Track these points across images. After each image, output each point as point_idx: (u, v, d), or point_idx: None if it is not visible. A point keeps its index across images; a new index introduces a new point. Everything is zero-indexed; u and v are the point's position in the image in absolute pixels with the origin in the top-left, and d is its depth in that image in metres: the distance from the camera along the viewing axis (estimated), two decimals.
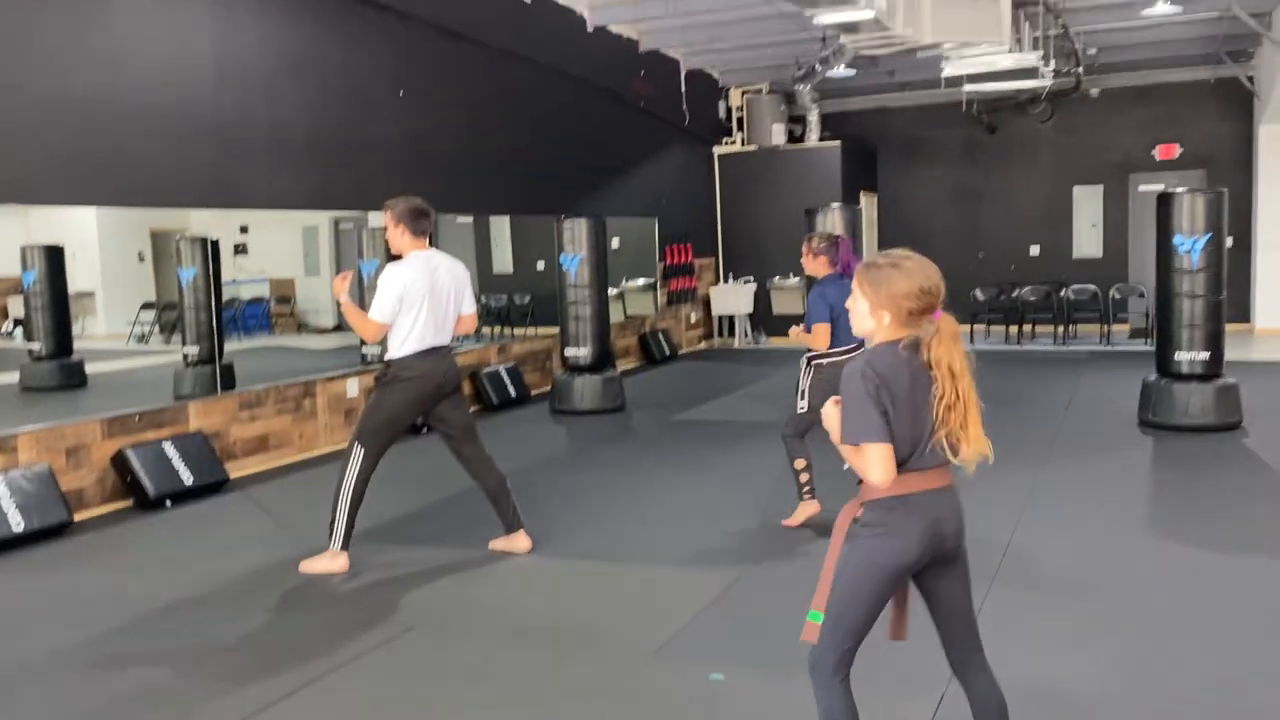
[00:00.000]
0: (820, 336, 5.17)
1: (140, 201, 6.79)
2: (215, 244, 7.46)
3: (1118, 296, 13.31)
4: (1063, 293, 13.49)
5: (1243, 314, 13.26)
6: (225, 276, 7.71)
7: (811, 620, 2.43)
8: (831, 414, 2.42)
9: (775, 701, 3.37)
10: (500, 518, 5.11)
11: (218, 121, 7.16)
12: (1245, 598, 4.20)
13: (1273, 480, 6.10)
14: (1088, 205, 14.55)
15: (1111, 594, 4.30)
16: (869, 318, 2.41)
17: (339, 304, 4.84)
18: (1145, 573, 4.56)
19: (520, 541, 5.10)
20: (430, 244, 4.99)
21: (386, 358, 4.91)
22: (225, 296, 7.77)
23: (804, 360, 5.35)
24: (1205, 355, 7.47)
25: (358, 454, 4.85)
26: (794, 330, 5.33)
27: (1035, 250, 14.74)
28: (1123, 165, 14.23)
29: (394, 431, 4.92)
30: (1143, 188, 13.89)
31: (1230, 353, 7.85)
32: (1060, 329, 13.38)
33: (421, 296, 4.76)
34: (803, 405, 5.30)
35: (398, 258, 4.90)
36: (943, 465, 2.41)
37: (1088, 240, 14.59)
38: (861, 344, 2.94)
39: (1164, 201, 7.58)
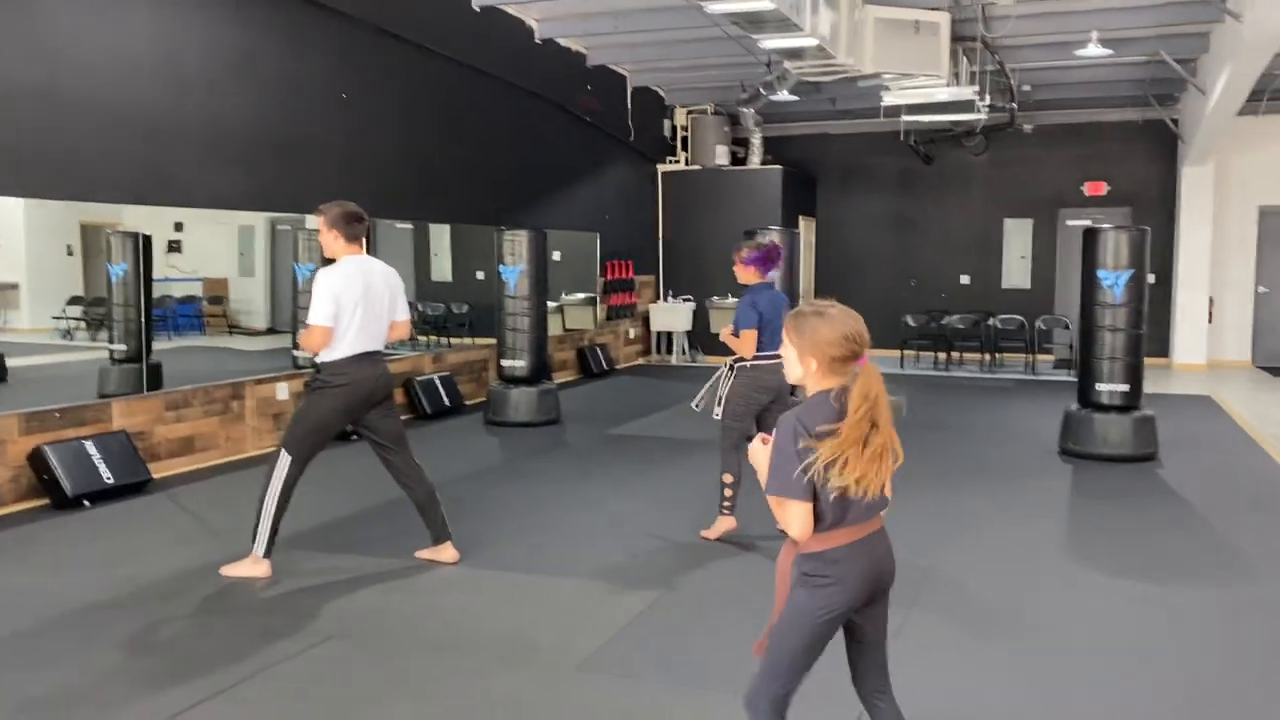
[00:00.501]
0: (746, 344, 5.26)
1: (71, 195, 6.65)
2: (148, 240, 7.33)
3: (1043, 327, 13.65)
4: (990, 321, 13.81)
5: (1162, 349, 13.70)
6: (157, 274, 7.58)
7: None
8: (759, 454, 2.46)
9: (697, 715, 3.40)
10: (428, 527, 5.09)
11: (154, 117, 7.05)
12: (1156, 625, 4.34)
13: (1184, 511, 6.31)
14: (1017, 237, 14.92)
15: (1027, 620, 4.41)
16: (797, 364, 2.48)
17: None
18: (1061, 599, 4.68)
19: (447, 552, 5.08)
20: (365, 250, 4.97)
21: (318, 361, 4.87)
22: (156, 294, 7.63)
23: (725, 365, 5.44)
24: (1125, 387, 7.70)
25: (284, 460, 4.79)
26: (725, 331, 5.42)
27: (966, 279, 15.07)
28: (1052, 200, 14.63)
29: (322, 438, 4.87)
30: (1070, 222, 14.28)
31: (1148, 386, 8.10)
32: (987, 357, 13.68)
33: (355, 302, 4.74)
34: (718, 411, 5.40)
35: (331, 262, 4.87)
36: (878, 513, 2.49)
37: (1016, 271, 14.95)
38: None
39: (1090, 237, 7.81)
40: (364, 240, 4.92)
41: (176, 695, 3.55)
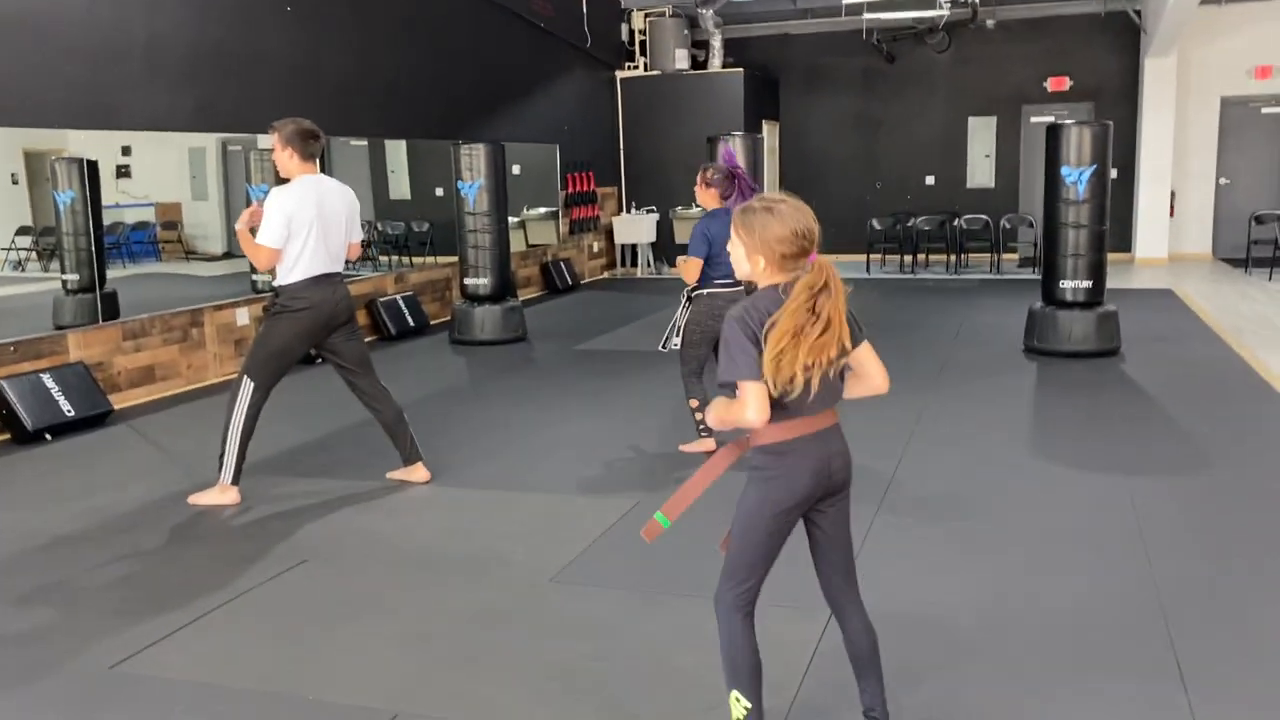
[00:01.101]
0: (690, 271, 5.13)
1: (9, 121, 6.41)
2: (94, 166, 7.12)
3: (1008, 226, 13.67)
4: (956, 222, 13.79)
5: (1124, 244, 13.77)
6: (107, 200, 7.38)
7: (656, 520, 2.50)
8: (717, 408, 2.42)
9: (671, 623, 3.45)
10: (398, 449, 5.07)
11: (93, 37, 6.78)
12: (1119, 515, 4.42)
13: (1146, 403, 6.40)
14: (981, 136, 14.83)
15: (994, 515, 4.48)
16: (745, 261, 2.44)
17: (237, 232, 4.68)
18: (1025, 493, 4.76)
19: (418, 473, 5.08)
20: (320, 168, 4.84)
21: (275, 285, 4.78)
22: (107, 221, 7.44)
23: (684, 296, 5.37)
24: (1088, 284, 7.74)
25: (247, 387, 4.73)
26: (680, 259, 5.36)
27: (930, 180, 15.00)
28: (1015, 97, 14.51)
29: (285, 363, 4.81)
30: (1034, 119, 14.20)
31: (1111, 281, 8.15)
32: (952, 258, 13.70)
33: (309, 222, 4.63)
34: (676, 341, 5.34)
35: (286, 182, 4.75)
36: (830, 407, 2.46)
37: (981, 170, 14.90)
38: (739, 283, 2.93)
39: (1052, 133, 7.77)
40: (319, 159, 4.79)
41: (151, 625, 3.54)
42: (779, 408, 2.38)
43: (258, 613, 3.66)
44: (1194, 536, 4.20)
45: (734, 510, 2.47)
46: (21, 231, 7.47)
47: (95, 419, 6.36)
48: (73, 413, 6.21)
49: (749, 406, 2.35)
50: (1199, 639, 3.26)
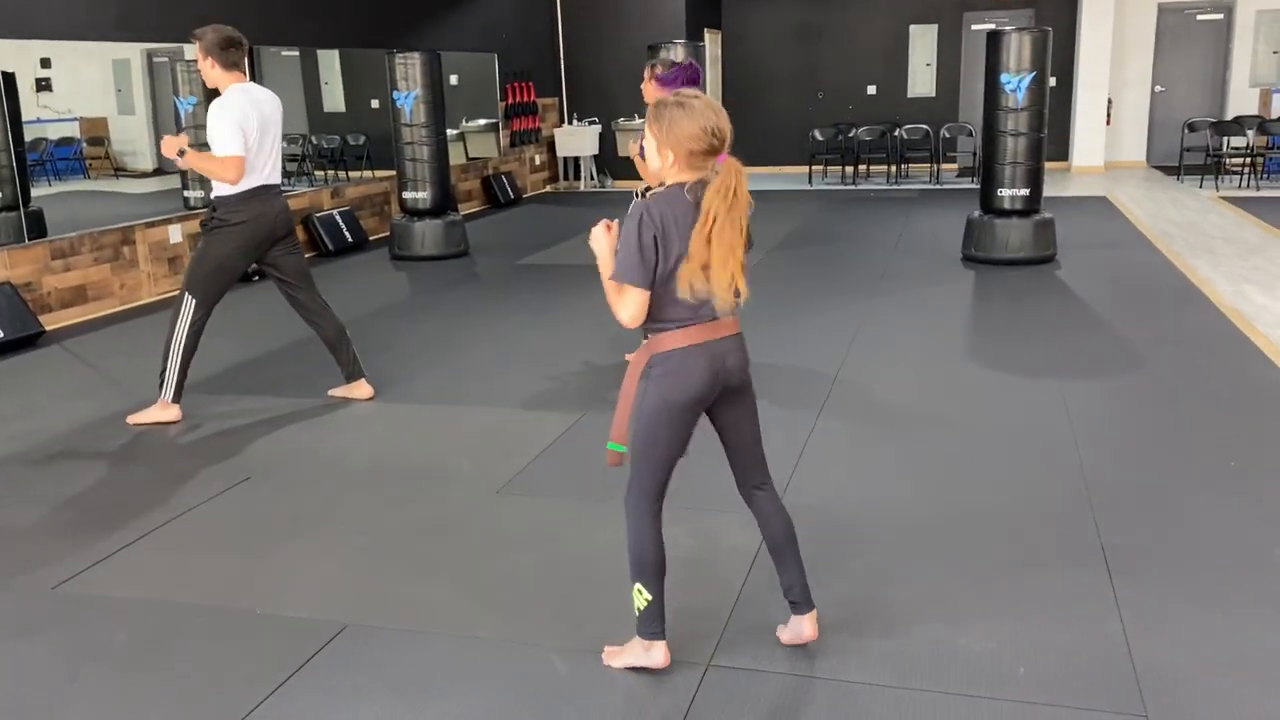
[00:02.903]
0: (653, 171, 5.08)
1: None
2: (10, 78, 6.82)
3: (948, 136, 13.70)
4: (896, 132, 13.79)
5: (1062, 152, 13.90)
6: (27, 115, 7.09)
7: (611, 449, 2.53)
8: (598, 240, 2.46)
9: (617, 531, 3.48)
10: (340, 365, 5.03)
11: None
12: (1054, 416, 4.54)
13: (1080, 309, 6.54)
14: (922, 44, 14.76)
15: (931, 419, 4.58)
16: (655, 156, 2.42)
17: (177, 159, 4.48)
18: (963, 398, 4.86)
19: (361, 389, 5.05)
20: (247, 77, 4.69)
21: (213, 197, 4.65)
22: (29, 137, 7.16)
23: (637, 193, 5.32)
24: (1025, 191, 7.83)
25: (189, 304, 4.64)
26: (633, 147, 5.23)
27: (872, 90, 14.94)
28: (957, 4, 14.43)
29: (226, 279, 4.71)
30: (975, 26, 14.15)
31: (1048, 189, 8.25)
32: (893, 168, 13.74)
33: (251, 131, 4.51)
34: None
35: (216, 94, 4.60)
36: (729, 317, 2.47)
37: (921, 80, 14.86)
38: None
39: (993, 40, 7.76)
40: (244, 67, 4.64)
41: (93, 545, 3.52)
42: (669, 317, 2.41)
43: (202, 530, 3.65)
44: (1125, 435, 4.34)
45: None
46: None
47: (26, 340, 6.21)
48: (2, 334, 6.05)
49: (624, 309, 2.40)
50: (1126, 532, 3.39)
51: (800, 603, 2.69)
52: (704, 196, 2.35)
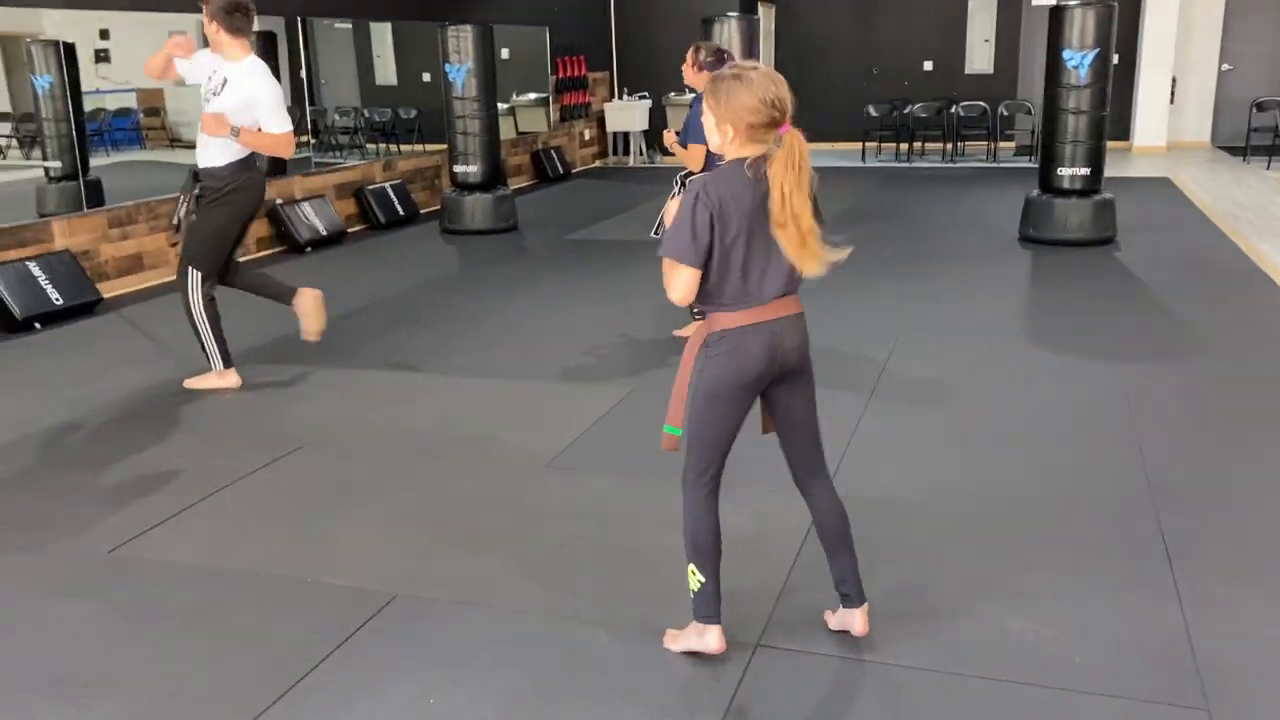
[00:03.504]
0: (694, 158, 5.00)
1: None
2: (71, 49, 6.91)
3: (1006, 113, 13.44)
4: (953, 109, 13.55)
5: (1123, 132, 13.57)
6: (86, 86, 7.19)
7: (668, 432, 2.48)
8: (671, 212, 2.42)
9: (664, 506, 3.47)
10: (276, 297, 4.93)
11: None
12: (1112, 401, 4.44)
13: (1140, 291, 6.39)
14: (981, 19, 14.46)
15: (986, 402, 4.50)
16: (715, 132, 2.37)
17: (232, 138, 4.48)
18: (1019, 380, 4.77)
19: (305, 298, 4.89)
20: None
21: (201, 168, 4.60)
22: (88, 108, 7.26)
23: (677, 180, 5.26)
24: (1086, 171, 7.65)
25: (194, 277, 4.65)
26: (669, 136, 5.17)
27: (928, 66, 14.68)
28: None
29: (225, 246, 4.71)
30: (1036, 2, 13.81)
31: (1108, 169, 8.05)
32: (949, 146, 13.50)
33: None
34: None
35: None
36: (787, 295, 2.41)
37: (979, 56, 14.57)
38: None
39: (1055, 15, 7.57)
40: (249, 34, 4.61)
41: (148, 509, 3.57)
42: (725, 295, 2.36)
43: (254, 498, 3.69)
44: (1186, 421, 4.23)
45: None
46: (1, 118, 7.30)
47: (84, 307, 6.31)
48: (61, 301, 6.16)
49: (674, 287, 2.36)
50: (1187, 521, 3.30)
51: (852, 596, 2.64)
52: (770, 170, 2.28)
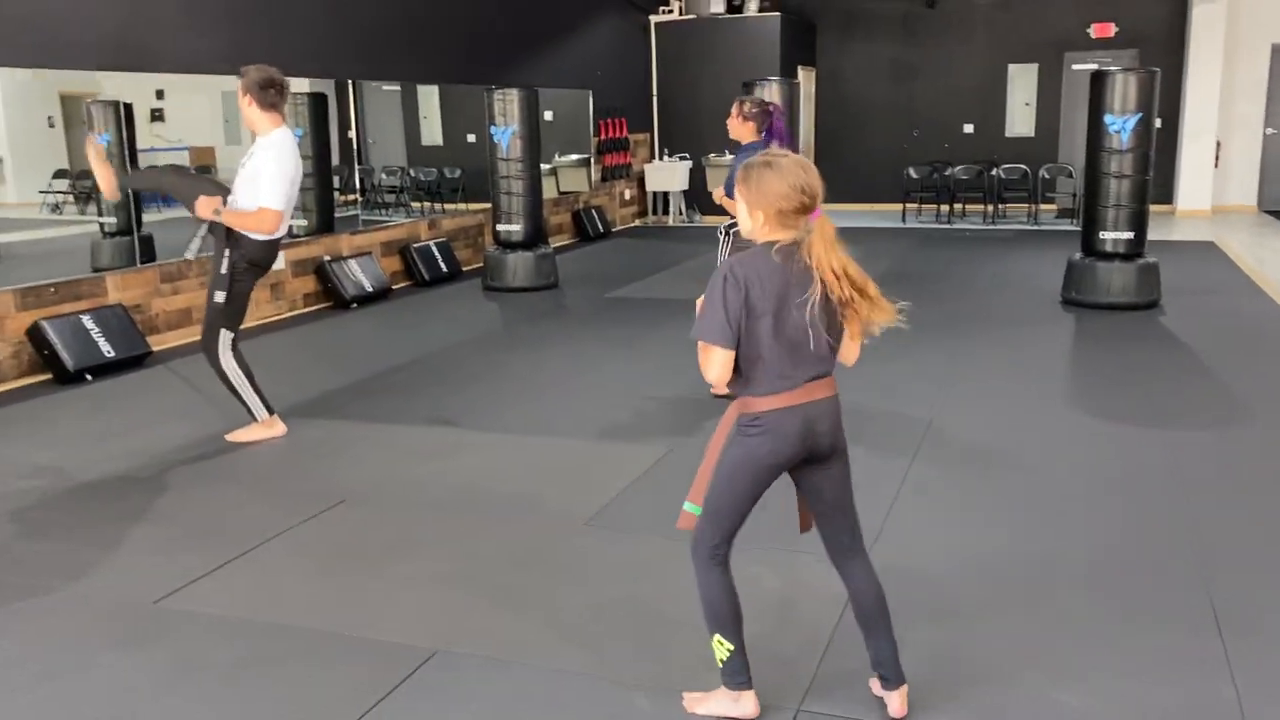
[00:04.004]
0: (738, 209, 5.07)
1: (43, 62, 6.43)
2: (129, 109, 7.13)
3: (1047, 176, 13.44)
4: (994, 172, 13.57)
5: (1167, 195, 13.51)
6: (141, 144, 7.40)
7: (687, 510, 2.48)
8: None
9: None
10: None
11: None
12: (1155, 467, 4.38)
13: (1185, 357, 6.31)
14: (1022, 83, 14.54)
15: (1029, 466, 4.46)
16: (747, 218, 2.40)
17: (214, 217, 4.56)
18: (1060, 445, 4.72)
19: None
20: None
21: (236, 233, 4.65)
22: (142, 165, 7.47)
23: (722, 230, 5.32)
24: (1129, 235, 7.62)
25: (225, 338, 4.77)
26: (718, 192, 5.23)
27: (969, 128, 14.74)
28: (1058, 43, 14.19)
29: (245, 305, 4.87)
30: (1076, 66, 13.88)
31: (1152, 233, 8.02)
32: (990, 208, 13.51)
33: (296, 183, 4.62)
34: None
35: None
36: (822, 377, 2.41)
37: (1020, 119, 14.62)
38: None
39: (1097, 80, 7.60)
40: (282, 109, 4.65)
41: (194, 561, 3.60)
42: (766, 376, 2.37)
43: (297, 551, 3.72)
44: (1234, 489, 4.16)
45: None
46: (59, 175, 7.52)
47: (134, 360, 6.44)
48: (112, 354, 6.29)
49: (710, 368, 2.38)
50: (1237, 590, 3.24)
51: (890, 678, 2.57)
52: (812, 255, 2.31)
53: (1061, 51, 14.18)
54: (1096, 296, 7.70)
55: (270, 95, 4.56)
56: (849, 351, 2.48)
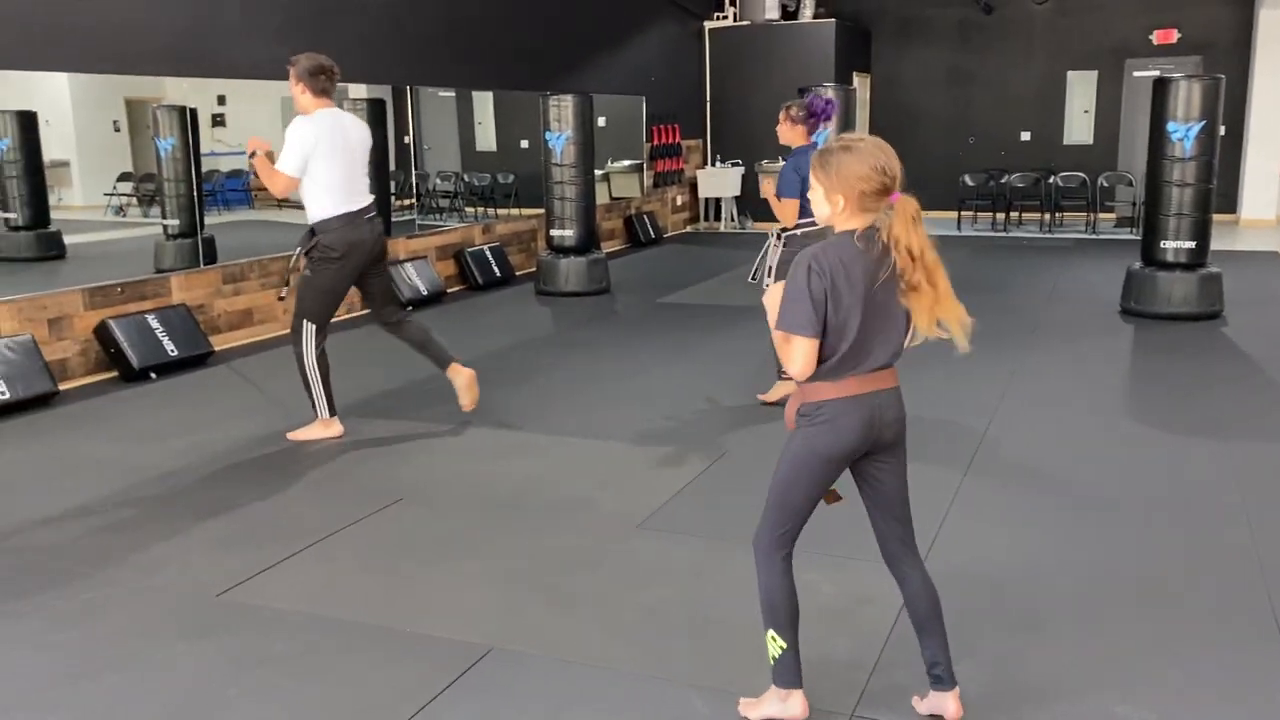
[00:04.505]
0: (788, 212, 5.06)
1: (109, 68, 6.59)
2: (193, 113, 7.29)
3: (1106, 185, 13.24)
4: (1051, 179, 13.40)
5: (1229, 204, 13.24)
6: (204, 148, 7.56)
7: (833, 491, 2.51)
8: (773, 295, 2.41)
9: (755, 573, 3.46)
10: (435, 361, 5.15)
11: None
12: (1217, 481, 4.30)
13: (1247, 368, 6.19)
14: (1081, 91, 14.34)
15: (1086, 478, 4.40)
16: (825, 203, 2.37)
17: (250, 158, 4.76)
18: (1121, 457, 4.65)
19: (461, 373, 5.16)
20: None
21: (312, 224, 4.81)
22: (205, 169, 7.63)
23: (772, 234, 5.30)
24: (1191, 244, 7.49)
25: (309, 330, 4.85)
26: (767, 186, 5.19)
27: (1026, 136, 14.58)
28: (1119, 50, 13.98)
29: (336, 302, 4.94)
30: (1137, 73, 13.66)
31: (1215, 242, 7.87)
32: (1047, 216, 13.33)
33: (331, 153, 4.69)
34: (768, 282, 5.29)
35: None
36: (889, 368, 2.40)
37: (1079, 127, 14.42)
38: None
39: (1160, 87, 7.48)
40: (333, 94, 4.81)
41: (256, 555, 3.67)
42: (828, 368, 2.35)
43: (355, 547, 3.77)
44: None
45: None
46: (123, 178, 7.70)
47: (197, 359, 6.58)
48: (176, 352, 6.43)
49: (794, 360, 2.35)
50: None
51: (944, 679, 2.55)
52: (892, 234, 2.29)
53: (1122, 58, 13.96)
54: (1157, 307, 7.57)
55: (321, 81, 4.71)
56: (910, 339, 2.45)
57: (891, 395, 2.43)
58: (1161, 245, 7.56)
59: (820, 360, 2.36)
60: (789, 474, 2.45)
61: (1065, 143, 14.40)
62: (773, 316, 2.40)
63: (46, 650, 3.06)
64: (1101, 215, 13.30)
